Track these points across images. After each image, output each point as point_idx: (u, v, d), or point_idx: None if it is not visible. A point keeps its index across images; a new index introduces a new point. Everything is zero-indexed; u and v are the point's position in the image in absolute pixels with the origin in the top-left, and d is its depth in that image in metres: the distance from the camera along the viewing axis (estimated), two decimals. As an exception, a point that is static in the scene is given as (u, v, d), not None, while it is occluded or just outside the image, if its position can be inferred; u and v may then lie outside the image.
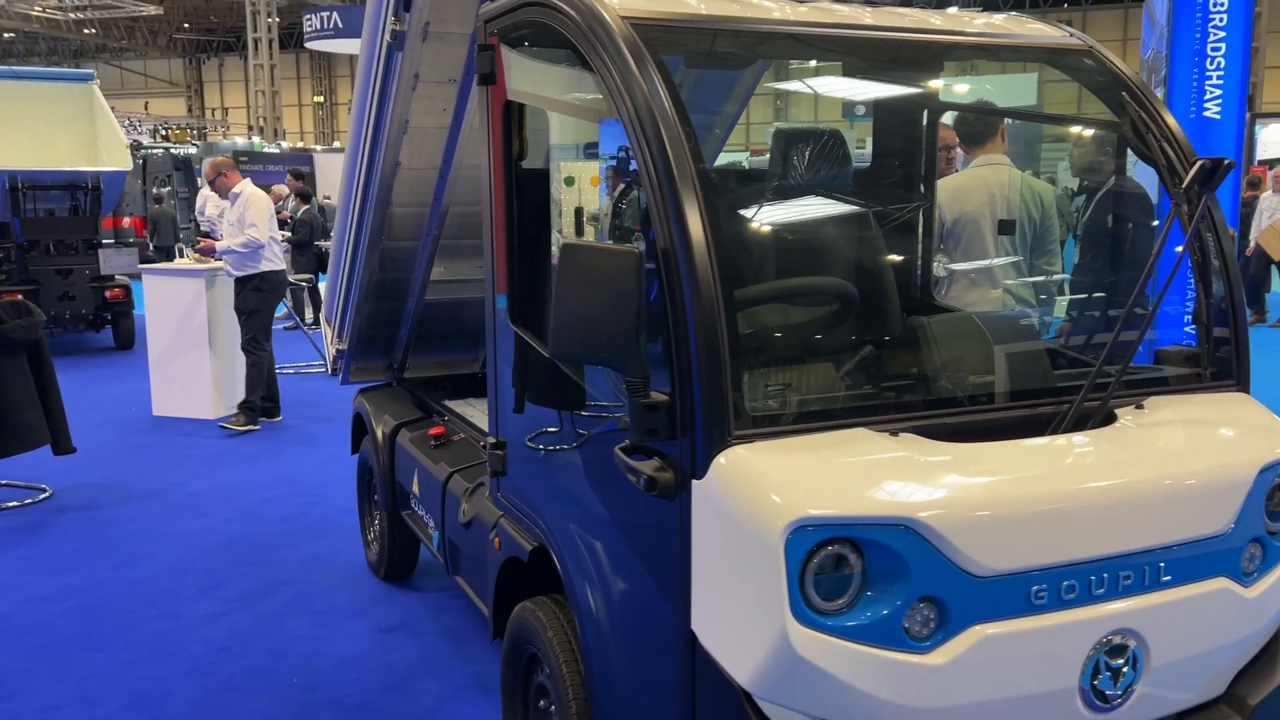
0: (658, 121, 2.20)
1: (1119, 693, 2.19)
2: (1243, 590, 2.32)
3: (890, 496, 2.02)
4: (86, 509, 6.45)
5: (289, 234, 14.62)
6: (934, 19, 2.84)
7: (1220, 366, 2.64)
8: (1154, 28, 6.75)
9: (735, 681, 2.06)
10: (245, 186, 8.21)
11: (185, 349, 8.80)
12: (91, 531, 6.03)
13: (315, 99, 61.92)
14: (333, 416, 8.96)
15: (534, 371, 2.98)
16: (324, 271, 14.59)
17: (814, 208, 2.85)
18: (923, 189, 3.51)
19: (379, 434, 4.94)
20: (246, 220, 7.97)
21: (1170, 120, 2.76)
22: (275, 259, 8.23)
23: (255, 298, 8.16)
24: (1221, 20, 5.99)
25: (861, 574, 2.01)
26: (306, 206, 14.40)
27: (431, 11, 3.89)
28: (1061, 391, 2.48)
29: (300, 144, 54.91)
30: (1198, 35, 6.06)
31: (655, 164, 2.19)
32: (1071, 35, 2.99)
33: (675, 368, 2.14)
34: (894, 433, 2.21)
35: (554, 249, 2.95)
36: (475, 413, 4.82)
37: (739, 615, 2.05)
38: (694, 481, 2.11)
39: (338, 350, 5.54)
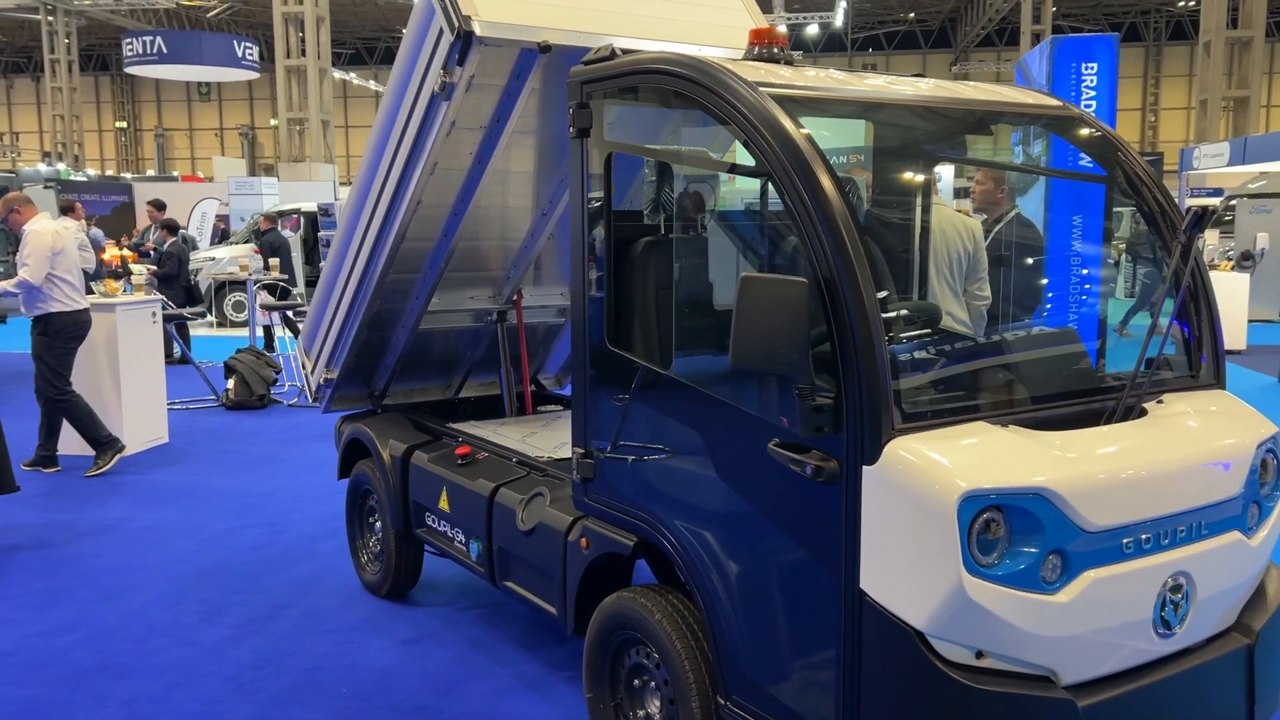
0: (816, 175, 2.71)
1: (1177, 622, 2.82)
2: (1248, 540, 3.01)
3: (1027, 472, 2.59)
4: (39, 548, 6.35)
5: (154, 266, 14.27)
6: (969, 90, 3.47)
7: (1207, 370, 3.35)
8: (1029, 84, 7.74)
9: (909, 625, 2.56)
10: (35, 222, 7.78)
11: (95, 385, 8.60)
12: (57, 569, 5.97)
13: (118, 124, 59.13)
14: (251, 450, 8.97)
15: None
16: (192, 304, 14.35)
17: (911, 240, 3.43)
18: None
19: (386, 457, 5.19)
20: (21, 259, 7.66)
21: (1152, 173, 3.47)
22: (66, 300, 7.74)
23: (40, 342, 7.76)
24: (1093, 81, 7.01)
25: (1007, 533, 2.56)
26: (174, 239, 14.09)
27: (478, 65, 4.27)
28: (1100, 391, 3.12)
29: (109, 172, 52.36)
30: (1073, 94, 7.05)
31: (813, 209, 2.69)
32: (1064, 104, 3.68)
33: (843, 376, 2.64)
34: (1004, 424, 2.78)
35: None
36: (491, 433, 5.14)
37: (912, 572, 2.55)
38: (865, 467, 2.61)
39: (325, 379, 5.74)
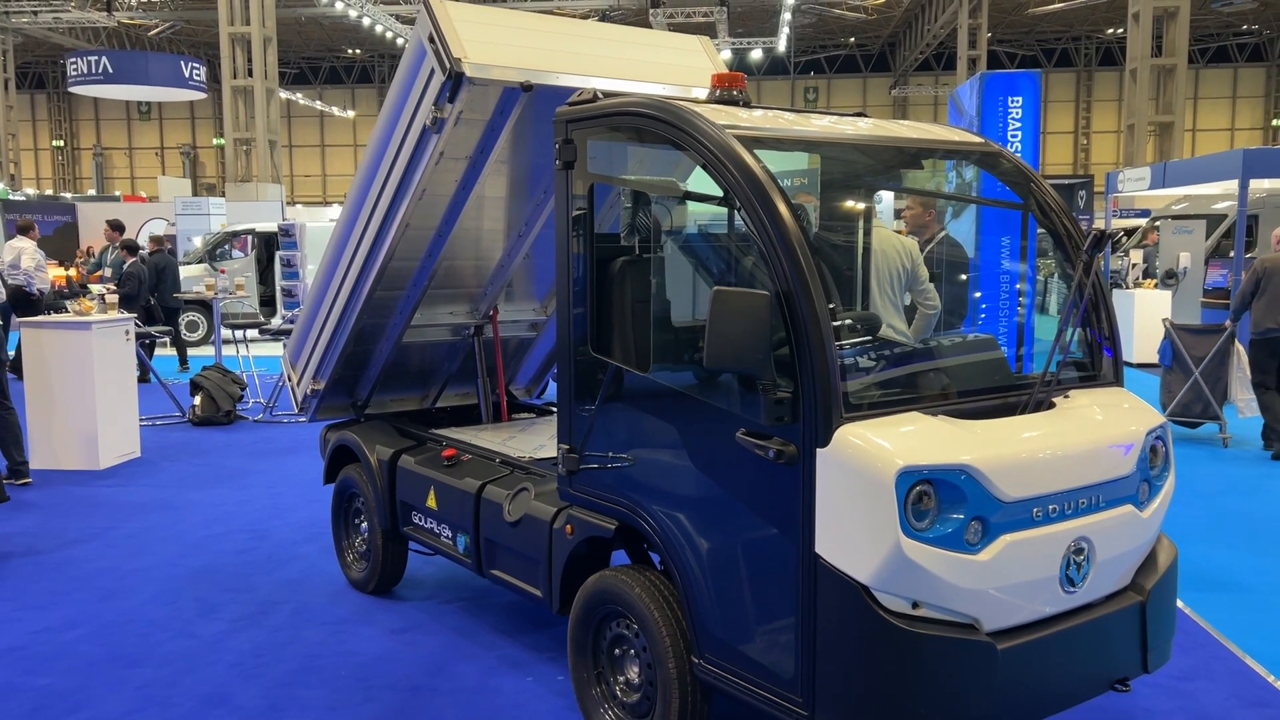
0: (775, 205, 3.20)
1: (1080, 580, 3.34)
2: (1140, 513, 3.54)
3: (953, 452, 3.09)
4: (29, 554, 6.63)
5: (114, 286, 14.43)
6: (903, 129, 4.00)
7: (1108, 370, 3.90)
8: (962, 116, 8.39)
9: (856, 580, 3.04)
10: None
11: (71, 401, 8.88)
12: (51, 572, 6.26)
13: (55, 143, 58.42)
14: (222, 463, 9.27)
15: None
16: (151, 323, 14.52)
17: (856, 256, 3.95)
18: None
19: (374, 461, 5.59)
20: None
21: (1061, 201, 4.02)
22: None
23: None
24: (1018, 114, 7.65)
25: (937, 503, 3.06)
26: (134, 259, 14.26)
27: (467, 101, 4.72)
28: (1016, 387, 3.65)
29: (47, 191, 51.65)
30: (1000, 125, 7.69)
31: (773, 233, 3.18)
32: (986, 141, 4.22)
33: (800, 373, 3.12)
34: (934, 414, 3.29)
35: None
36: (473, 437, 5.57)
37: (858, 536, 3.04)
38: (819, 449, 3.10)
39: (312, 390, 6.12)
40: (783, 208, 3.20)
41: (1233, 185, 15.02)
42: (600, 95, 3.89)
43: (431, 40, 4.64)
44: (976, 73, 33.89)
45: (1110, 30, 44.35)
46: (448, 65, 4.54)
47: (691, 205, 4.01)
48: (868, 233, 4.71)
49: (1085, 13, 40.78)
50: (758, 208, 3.23)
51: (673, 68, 5.29)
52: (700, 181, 3.85)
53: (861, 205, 4.62)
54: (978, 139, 4.22)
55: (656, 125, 3.63)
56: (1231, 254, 18.51)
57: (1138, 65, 27.34)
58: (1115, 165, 37.28)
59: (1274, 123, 47.97)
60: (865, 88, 51.54)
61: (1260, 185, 15.68)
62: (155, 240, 15.82)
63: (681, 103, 3.64)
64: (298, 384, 6.28)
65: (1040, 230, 4.06)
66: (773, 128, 3.69)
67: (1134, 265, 16.71)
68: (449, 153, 4.98)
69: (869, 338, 3.70)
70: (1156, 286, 16.65)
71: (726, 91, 4.08)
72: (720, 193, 3.47)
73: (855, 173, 4.24)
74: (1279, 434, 9.32)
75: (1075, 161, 49.58)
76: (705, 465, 3.54)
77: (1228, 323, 9.53)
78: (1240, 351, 9.39)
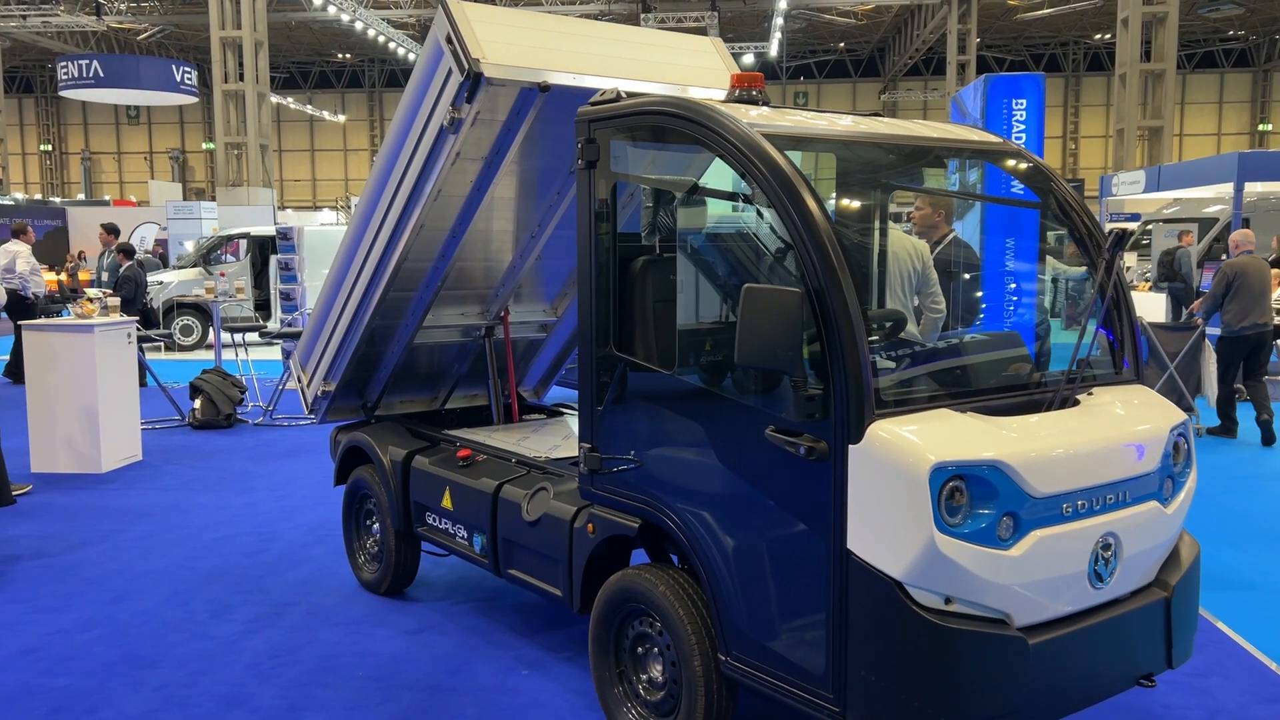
0: (806, 202, 3.22)
1: (1108, 575, 3.36)
2: (1164, 509, 3.57)
3: (984, 448, 3.11)
4: (38, 557, 6.60)
5: (110, 290, 14.37)
6: (922, 129, 4.03)
7: (1128, 367, 3.93)
8: (965, 118, 8.45)
9: (889, 576, 3.05)
10: None
11: (74, 404, 8.84)
12: (61, 575, 6.24)
13: (43, 147, 58.20)
14: (226, 466, 9.25)
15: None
16: (147, 327, 14.45)
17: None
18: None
19: (387, 461, 5.58)
20: None
21: (1080, 201, 4.05)
22: None
23: None
24: (1022, 116, 7.70)
25: (969, 498, 3.08)
26: (130, 262, 14.20)
27: (483, 102, 4.73)
28: (1040, 385, 3.68)
29: (36, 196, 51.43)
30: (1004, 127, 7.74)
31: (804, 231, 3.20)
32: (1004, 141, 4.25)
33: (831, 370, 3.14)
34: (963, 410, 3.31)
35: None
36: (486, 438, 5.57)
37: (892, 531, 3.05)
38: (851, 446, 3.12)
39: (323, 392, 6.11)
40: (814, 206, 3.22)
41: (1224, 189, 15.13)
42: (623, 95, 3.91)
43: (449, 41, 4.65)
44: (965, 78, 33.89)
45: (1098, 35, 44.61)
46: (466, 66, 4.55)
47: (716, 203, 4.02)
48: (884, 233, 4.74)
49: (1073, 18, 41.02)
50: (789, 206, 3.25)
51: (685, 68, 5.31)
52: (718, 180, 3.87)
53: (883, 204, 4.65)
54: (996, 139, 4.25)
55: (682, 124, 3.64)
56: (1224, 256, 18.65)
57: (1126, 70, 27.50)
58: (1104, 170, 37.44)
59: (1260, 127, 48.29)
60: (855, 92, 51.72)
61: (1252, 189, 15.80)
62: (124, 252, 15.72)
63: (707, 102, 3.65)
64: (308, 386, 6.27)
65: (1052, 231, 4.09)
66: (799, 127, 3.71)
67: (1128, 268, 16.81)
68: (465, 153, 4.98)
69: (898, 335, 3.73)
70: (1151, 289, 16.75)
71: (746, 91, 4.10)
72: (745, 191, 3.49)
73: (879, 171, 4.26)
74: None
75: (1064, 166, 49.81)
76: (732, 462, 3.55)
77: (1198, 320, 10.02)
78: (1209, 347, 9.93)
